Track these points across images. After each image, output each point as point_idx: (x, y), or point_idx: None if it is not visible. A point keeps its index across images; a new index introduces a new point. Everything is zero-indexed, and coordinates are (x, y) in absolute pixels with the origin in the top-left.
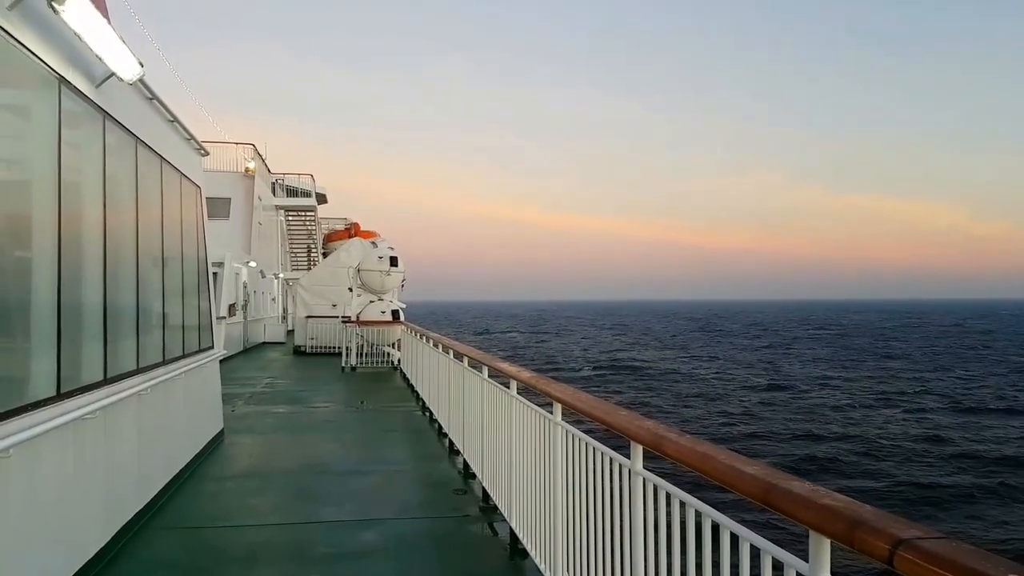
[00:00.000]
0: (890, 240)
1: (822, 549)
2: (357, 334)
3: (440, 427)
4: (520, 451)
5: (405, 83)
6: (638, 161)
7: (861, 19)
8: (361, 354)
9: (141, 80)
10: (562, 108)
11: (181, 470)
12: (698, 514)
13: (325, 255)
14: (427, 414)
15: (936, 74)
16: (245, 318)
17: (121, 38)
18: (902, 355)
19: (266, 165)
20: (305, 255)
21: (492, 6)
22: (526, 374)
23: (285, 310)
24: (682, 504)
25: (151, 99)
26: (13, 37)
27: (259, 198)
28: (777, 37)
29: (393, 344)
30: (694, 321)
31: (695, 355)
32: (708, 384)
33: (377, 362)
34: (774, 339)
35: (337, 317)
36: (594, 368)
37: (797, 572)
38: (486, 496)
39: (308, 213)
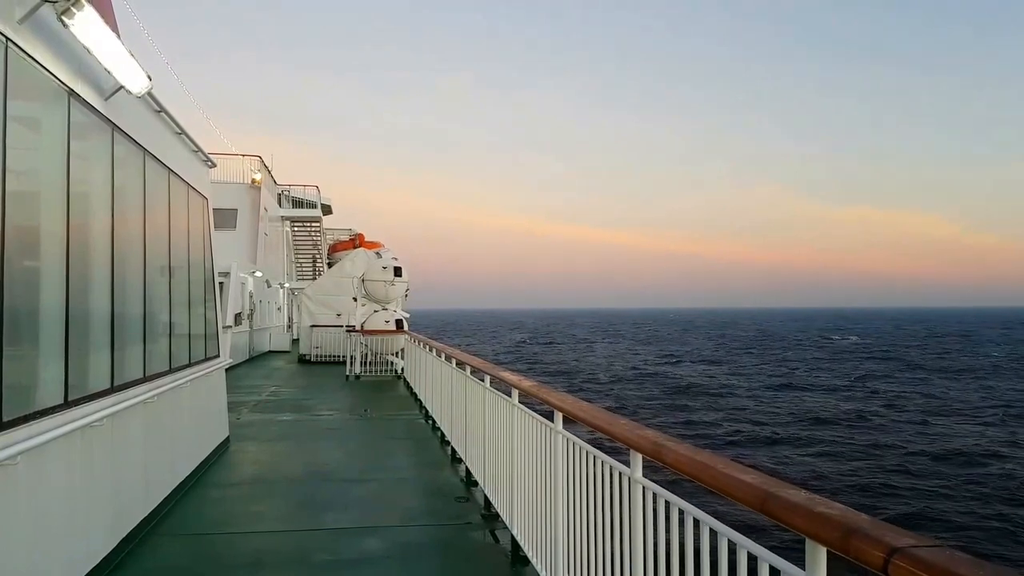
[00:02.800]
0: (887, 250)
1: (818, 557)
2: (361, 343)
3: (443, 435)
4: (521, 459)
5: (412, 95)
6: (643, 173)
7: (860, 34)
8: (365, 363)
9: (149, 93)
10: (567, 120)
11: (187, 477)
12: (696, 522)
13: (330, 265)
14: (430, 422)
15: (932, 89)
16: (251, 327)
17: (130, 52)
18: (985, 370)
19: (272, 177)
20: (310, 265)
21: (500, 19)
22: (527, 383)
23: (290, 319)
24: (681, 512)
25: (159, 112)
26: (23, 51)
27: (265, 209)
28: (779, 52)
29: (397, 353)
30: (713, 330)
31: (753, 373)
32: (814, 412)
33: (381, 371)
34: (819, 353)
35: (342, 326)
36: (660, 389)
37: None
38: (488, 504)
39: (313, 224)
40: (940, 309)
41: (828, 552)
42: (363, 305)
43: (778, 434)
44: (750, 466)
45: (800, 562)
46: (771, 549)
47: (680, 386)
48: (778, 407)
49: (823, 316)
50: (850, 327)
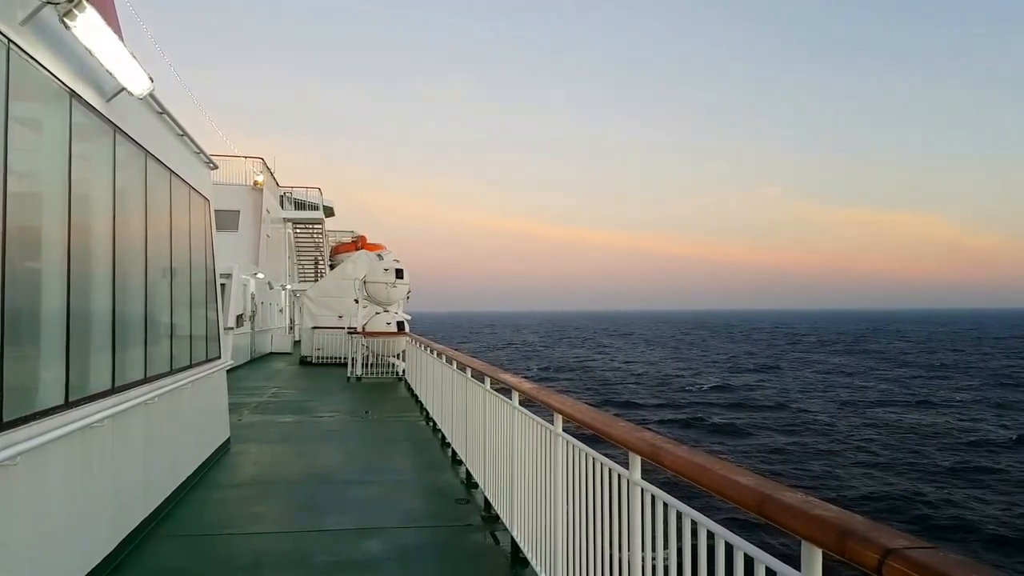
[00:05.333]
0: (886, 252)
1: (814, 559)
2: (363, 345)
3: (443, 437)
4: (521, 461)
5: (414, 98)
6: (645, 175)
7: (859, 37)
8: (366, 365)
9: (151, 95)
10: (570, 125)
11: (187, 478)
12: (694, 523)
13: (332, 267)
14: (431, 424)
15: (930, 91)
16: (253, 329)
17: (132, 53)
18: None
19: (274, 178)
20: (312, 267)
21: (501, 26)
22: (527, 385)
23: (292, 321)
24: (679, 514)
25: (161, 113)
26: (25, 52)
27: (267, 211)
28: (778, 56)
29: (398, 355)
30: (736, 333)
31: (834, 386)
32: (963, 434)
33: (382, 372)
34: (871, 361)
35: (343, 328)
36: (741, 410)
37: None
38: (488, 506)
39: (315, 225)
40: (948, 310)
41: (824, 554)
42: (364, 307)
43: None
44: (747, 468)
45: (797, 563)
46: (768, 551)
47: (761, 401)
48: (914, 430)
49: (834, 317)
50: (876, 330)
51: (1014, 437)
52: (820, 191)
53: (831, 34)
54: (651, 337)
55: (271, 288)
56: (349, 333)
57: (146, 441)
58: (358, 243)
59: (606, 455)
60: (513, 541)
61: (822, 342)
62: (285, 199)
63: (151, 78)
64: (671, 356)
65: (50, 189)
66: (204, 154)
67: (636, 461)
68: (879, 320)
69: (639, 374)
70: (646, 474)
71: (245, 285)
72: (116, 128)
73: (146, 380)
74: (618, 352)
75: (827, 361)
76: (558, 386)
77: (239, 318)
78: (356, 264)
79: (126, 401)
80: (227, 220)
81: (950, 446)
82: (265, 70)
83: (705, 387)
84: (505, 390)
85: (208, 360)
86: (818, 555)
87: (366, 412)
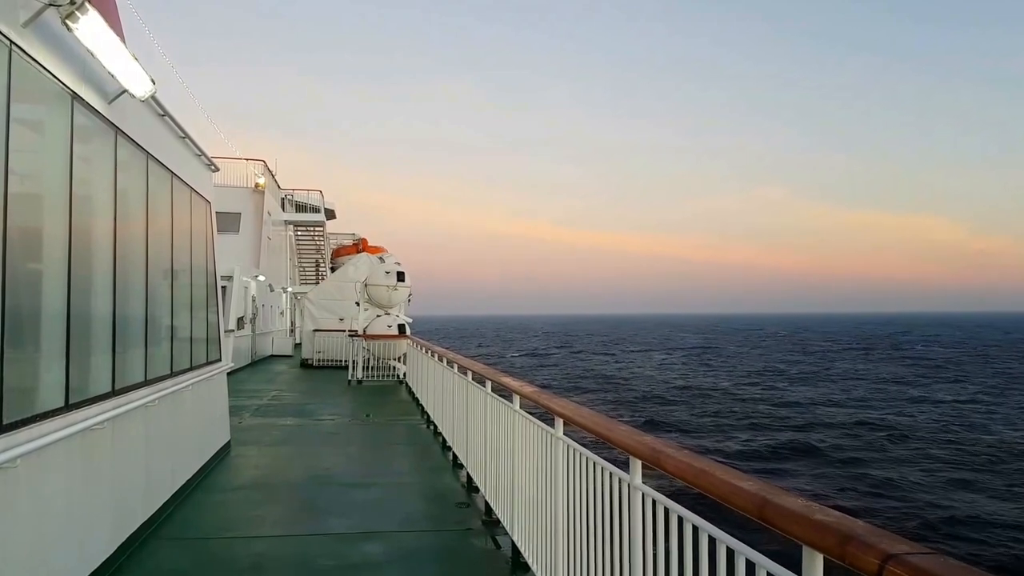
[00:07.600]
0: (892, 254)
1: (815, 564)
2: (364, 348)
3: (444, 440)
4: (522, 465)
5: (418, 101)
6: (650, 179)
7: (864, 37)
8: (367, 368)
9: (153, 97)
10: (574, 127)
11: (188, 481)
12: (695, 528)
13: (333, 269)
14: (431, 427)
15: (936, 91)
16: (253, 331)
17: (133, 56)
18: None
19: (276, 181)
20: (313, 269)
21: (505, 27)
22: (528, 389)
23: (293, 323)
24: (680, 519)
25: (163, 115)
26: (27, 54)
27: (268, 213)
28: (782, 56)
29: (399, 358)
30: (757, 338)
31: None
32: None
33: (383, 375)
34: (905, 367)
35: (344, 331)
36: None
37: None
38: (488, 509)
39: (317, 228)
40: (962, 313)
41: (825, 559)
42: (366, 310)
43: None
44: (748, 473)
45: (798, 569)
46: (769, 555)
47: (860, 422)
48: None
49: (848, 321)
50: (903, 334)
51: None
52: (827, 193)
53: (842, 35)
54: (674, 344)
55: (272, 290)
56: (350, 336)
57: (146, 444)
58: (359, 245)
59: (607, 459)
60: (514, 545)
61: (857, 348)
62: (286, 201)
63: (153, 80)
64: (705, 364)
65: (51, 191)
66: (205, 156)
67: (637, 465)
68: (897, 324)
69: (684, 388)
70: (647, 479)
71: (246, 287)
72: (117, 130)
73: (146, 383)
74: (645, 360)
75: (886, 371)
76: (587, 402)
77: (240, 320)
78: (357, 267)
79: (126, 403)
80: (228, 222)
81: None
82: (266, 71)
83: (772, 402)
84: (506, 394)
85: (209, 363)
86: (819, 560)
87: (367, 415)
